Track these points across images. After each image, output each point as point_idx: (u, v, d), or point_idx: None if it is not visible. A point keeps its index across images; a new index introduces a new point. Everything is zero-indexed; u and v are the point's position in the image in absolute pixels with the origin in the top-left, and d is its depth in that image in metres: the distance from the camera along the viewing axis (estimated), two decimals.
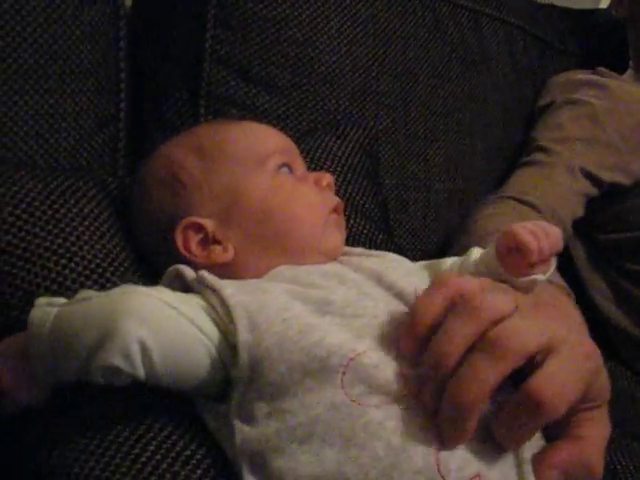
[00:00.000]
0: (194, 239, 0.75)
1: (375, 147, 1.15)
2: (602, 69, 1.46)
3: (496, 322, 0.59)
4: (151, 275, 0.78)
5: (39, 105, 0.96)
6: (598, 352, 0.63)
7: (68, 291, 0.74)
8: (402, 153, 1.27)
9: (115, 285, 0.76)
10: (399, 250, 1.08)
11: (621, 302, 1.37)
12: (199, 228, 0.76)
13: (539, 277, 0.68)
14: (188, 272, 0.72)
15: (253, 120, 0.89)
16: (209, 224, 0.75)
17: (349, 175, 1.05)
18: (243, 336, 0.64)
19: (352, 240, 0.97)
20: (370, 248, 0.96)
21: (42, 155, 0.96)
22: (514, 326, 0.59)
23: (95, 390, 0.68)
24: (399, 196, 1.25)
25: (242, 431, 0.63)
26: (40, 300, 0.68)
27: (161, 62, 1.12)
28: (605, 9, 1.72)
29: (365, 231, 1.02)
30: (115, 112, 1.06)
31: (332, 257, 0.78)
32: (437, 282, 0.64)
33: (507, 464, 0.61)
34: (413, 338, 0.62)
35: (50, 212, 0.79)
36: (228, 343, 0.66)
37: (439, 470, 0.58)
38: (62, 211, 0.80)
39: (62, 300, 0.68)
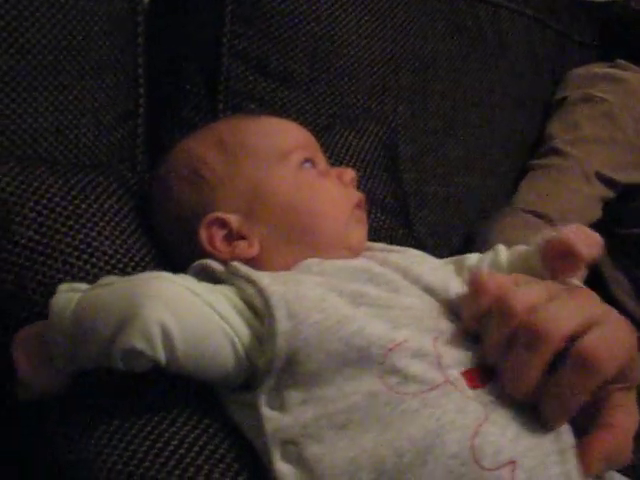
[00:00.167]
0: (219, 235, 0.75)
1: (394, 141, 1.15)
2: (621, 61, 1.45)
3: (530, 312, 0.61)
4: (173, 271, 0.78)
5: (58, 101, 0.96)
6: (634, 330, 0.64)
7: None
8: (421, 147, 1.27)
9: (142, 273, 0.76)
10: (419, 244, 1.08)
11: None
12: (223, 224, 0.75)
13: (576, 282, 0.70)
14: (216, 265, 0.72)
15: (272, 115, 0.89)
16: (234, 219, 0.75)
17: (369, 170, 1.05)
18: (282, 325, 0.64)
19: (372, 234, 0.96)
20: (390, 242, 0.96)
21: (62, 151, 0.96)
22: (551, 311, 0.61)
23: (117, 383, 0.68)
24: (418, 190, 1.25)
25: (273, 419, 0.64)
26: (62, 286, 0.68)
27: (179, 57, 1.12)
28: (624, 1, 1.70)
29: (385, 226, 1.01)
30: (134, 108, 1.06)
31: (356, 252, 0.78)
32: (478, 285, 0.65)
33: (543, 451, 0.61)
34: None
35: (71, 208, 0.79)
36: (253, 333, 0.66)
37: (474, 455, 0.59)
38: (83, 207, 0.80)
39: (84, 286, 0.68)
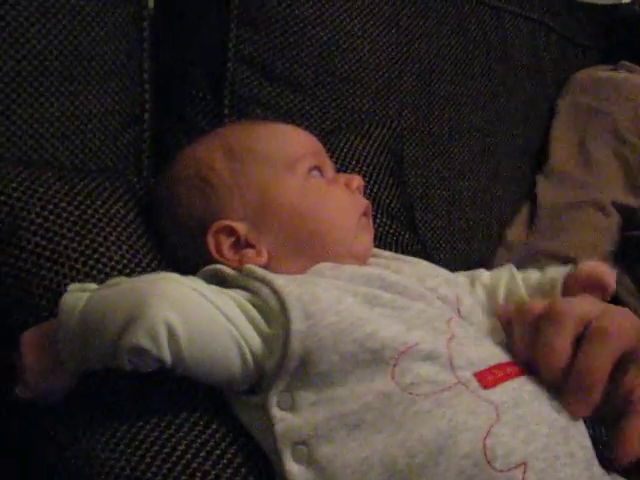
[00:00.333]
0: (226, 243, 0.75)
1: (399, 146, 1.15)
2: (625, 62, 1.45)
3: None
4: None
5: (65, 107, 0.97)
6: None
7: None
8: (426, 151, 1.27)
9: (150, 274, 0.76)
10: (424, 248, 1.08)
11: None
12: (231, 231, 0.75)
13: None
14: (226, 269, 0.72)
15: (279, 120, 0.89)
16: (241, 227, 0.75)
17: (374, 174, 1.05)
18: (297, 326, 0.65)
19: (378, 239, 0.96)
20: (396, 247, 0.96)
21: (68, 156, 0.96)
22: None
23: (123, 387, 0.69)
24: (423, 194, 1.25)
25: (284, 420, 0.64)
26: (72, 286, 0.69)
27: (185, 62, 1.12)
28: (628, 4, 1.70)
29: (391, 230, 1.01)
30: (139, 113, 1.06)
31: (362, 260, 0.78)
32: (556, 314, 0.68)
33: (553, 453, 0.61)
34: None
35: (77, 213, 0.79)
36: (261, 335, 0.66)
37: (486, 456, 0.59)
38: (89, 212, 0.80)
39: (94, 286, 0.69)
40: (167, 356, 0.63)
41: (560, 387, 0.65)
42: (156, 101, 1.08)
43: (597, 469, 0.64)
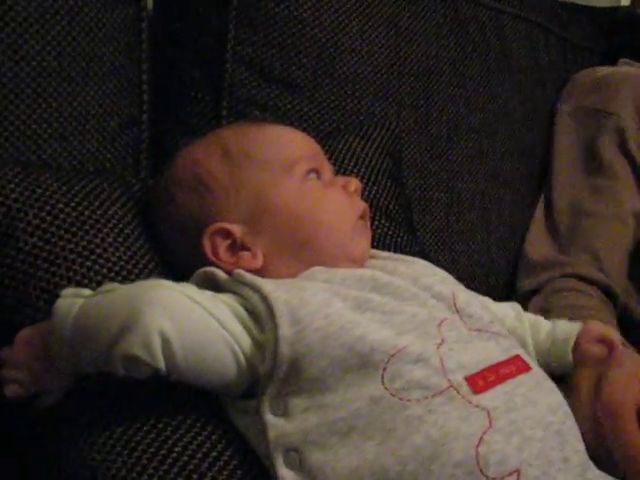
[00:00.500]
0: (222, 245, 0.75)
1: (398, 147, 1.15)
2: (626, 60, 1.45)
3: None
4: (176, 278, 0.78)
5: (63, 107, 0.96)
6: None
7: None
8: (424, 153, 1.27)
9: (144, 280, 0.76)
10: (422, 250, 1.08)
11: None
12: (227, 234, 0.75)
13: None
14: (220, 273, 0.72)
15: (277, 122, 0.89)
16: (237, 230, 0.75)
17: (373, 176, 1.05)
18: (284, 331, 0.65)
19: (377, 241, 0.96)
20: (394, 248, 0.96)
21: (66, 157, 0.96)
22: None
23: (120, 389, 0.68)
24: (422, 196, 1.25)
25: (276, 425, 0.64)
26: (66, 291, 0.69)
27: (183, 64, 1.12)
28: (627, 6, 1.71)
29: (390, 232, 1.01)
30: (137, 114, 1.06)
31: (359, 263, 0.78)
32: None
33: (547, 459, 0.61)
34: None
35: (75, 214, 0.79)
36: (254, 341, 0.66)
37: (478, 463, 0.59)
38: (86, 213, 0.80)
39: (87, 291, 0.69)
40: (161, 364, 0.64)
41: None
42: (154, 102, 1.08)
43: (591, 473, 0.64)
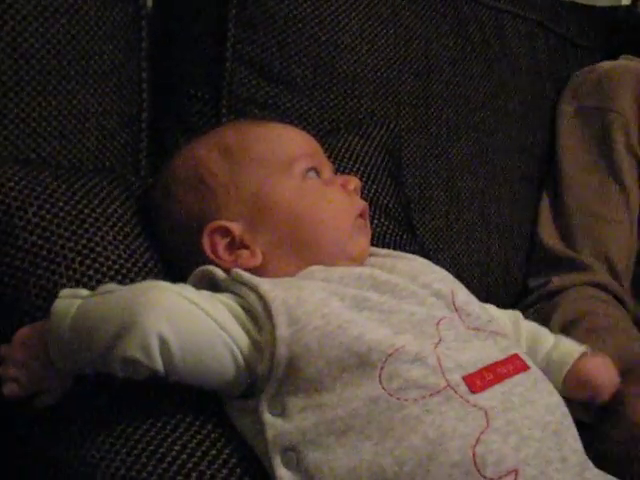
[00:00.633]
0: (221, 243, 0.75)
1: (397, 146, 1.15)
2: (626, 56, 1.45)
3: None
4: (175, 276, 0.78)
5: (62, 106, 0.96)
6: None
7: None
8: (424, 151, 1.26)
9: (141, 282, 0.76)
10: (422, 249, 1.08)
11: None
12: (226, 232, 0.75)
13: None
14: (218, 272, 0.72)
15: (277, 120, 0.89)
16: (236, 228, 0.75)
17: (372, 174, 1.05)
18: (282, 331, 0.65)
19: (376, 240, 0.96)
20: (394, 248, 0.96)
21: (66, 155, 0.96)
22: None
23: (119, 388, 0.68)
24: (421, 195, 1.25)
25: (274, 425, 0.64)
26: (64, 292, 0.69)
27: (182, 62, 1.12)
28: (628, 6, 1.70)
29: (389, 231, 1.01)
30: (137, 112, 1.06)
31: (359, 261, 0.78)
32: None
33: (545, 459, 0.61)
34: None
35: (74, 212, 0.79)
36: (252, 341, 0.66)
37: (475, 464, 0.59)
38: (86, 211, 0.80)
39: (85, 292, 0.69)
40: (160, 366, 0.64)
41: None
42: (154, 100, 1.08)
43: (589, 473, 0.64)
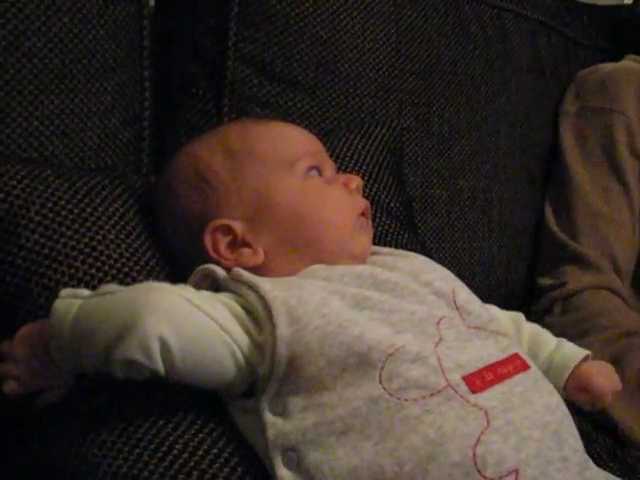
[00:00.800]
0: (223, 241, 0.75)
1: (399, 145, 1.15)
2: (632, 56, 1.45)
3: None
4: (177, 274, 0.78)
5: (65, 104, 0.96)
6: None
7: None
8: (426, 150, 1.27)
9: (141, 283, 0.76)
10: (423, 247, 1.08)
11: None
12: (228, 230, 0.75)
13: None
14: (219, 271, 0.72)
15: (279, 119, 0.89)
16: (238, 226, 0.75)
17: (374, 174, 1.05)
18: (282, 331, 0.65)
19: (378, 239, 0.96)
20: (396, 246, 0.96)
21: (68, 154, 0.96)
22: None
23: (121, 387, 0.68)
24: (423, 194, 1.25)
25: (275, 425, 0.64)
26: (65, 292, 0.69)
27: (184, 61, 1.12)
28: (631, 5, 1.70)
29: (391, 230, 1.01)
30: (139, 111, 1.06)
31: (360, 260, 0.78)
32: None
33: (545, 459, 0.61)
34: None
35: (76, 211, 0.79)
36: (253, 341, 0.66)
37: (476, 464, 0.59)
38: (88, 210, 0.80)
39: (86, 292, 0.69)
40: (160, 368, 0.64)
41: None
42: (156, 99, 1.08)
43: (590, 472, 0.64)
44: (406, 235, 1.03)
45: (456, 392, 0.63)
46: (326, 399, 0.63)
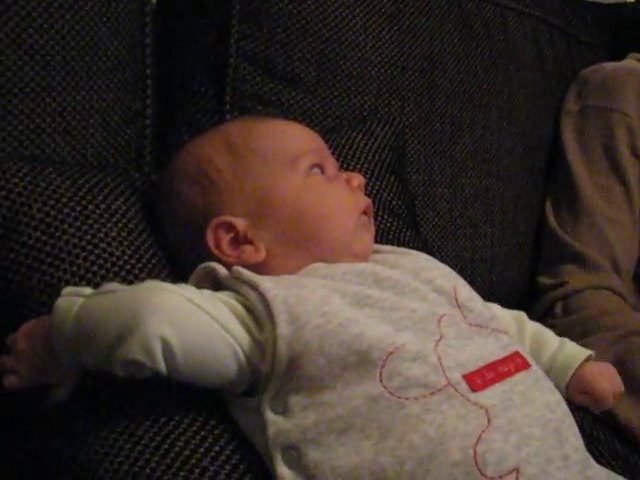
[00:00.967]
0: (225, 238, 0.75)
1: (401, 143, 1.15)
2: (635, 54, 1.45)
3: None
4: (179, 272, 0.79)
5: (66, 102, 0.96)
6: None
7: (96, 288, 0.74)
8: (428, 149, 1.27)
9: (143, 282, 0.76)
10: (425, 246, 1.08)
11: None
12: (230, 227, 0.75)
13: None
14: (220, 269, 0.72)
15: (281, 117, 0.89)
16: (240, 223, 0.75)
17: (376, 171, 1.05)
18: (282, 329, 0.64)
19: (380, 237, 0.96)
20: (398, 244, 0.96)
21: (70, 151, 0.96)
22: None
23: (123, 384, 0.68)
24: (425, 192, 1.25)
25: (275, 423, 0.64)
26: (67, 290, 0.69)
27: (186, 58, 1.12)
28: (633, 3, 1.70)
29: (393, 228, 1.01)
30: (141, 108, 1.06)
31: (362, 258, 0.78)
32: None
33: (546, 457, 0.61)
34: None
35: (78, 208, 0.80)
36: (254, 340, 0.66)
37: (476, 463, 0.59)
38: (90, 207, 0.80)
39: (88, 290, 0.69)
40: (163, 368, 0.64)
41: None
42: (158, 97, 1.08)
43: (591, 471, 0.64)
44: (408, 233, 1.03)
45: (456, 391, 0.63)
46: (326, 398, 0.63)
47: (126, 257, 0.78)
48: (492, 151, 1.37)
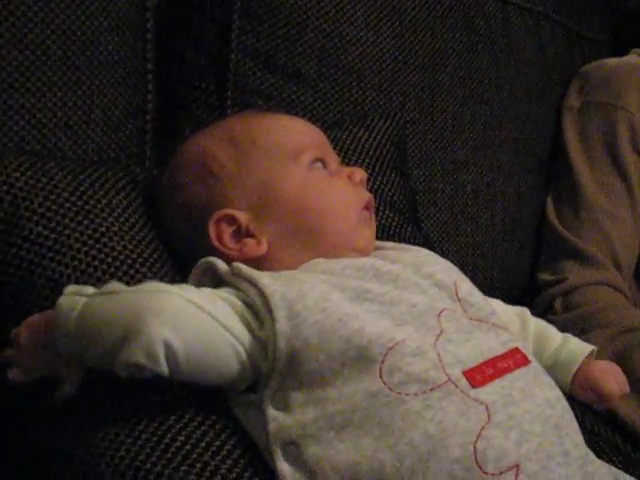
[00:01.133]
0: (227, 231, 0.75)
1: (402, 138, 1.15)
2: (637, 50, 1.45)
3: None
4: (181, 267, 0.79)
5: (67, 97, 0.96)
6: None
7: (98, 282, 0.74)
8: (429, 144, 1.26)
9: (144, 276, 0.77)
10: (426, 241, 1.08)
11: None
12: (232, 220, 0.75)
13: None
14: (220, 265, 0.72)
15: (283, 112, 0.89)
16: (242, 217, 0.75)
17: (377, 167, 1.05)
18: (281, 325, 0.64)
19: (381, 232, 0.96)
20: (399, 240, 0.96)
21: (71, 146, 0.96)
22: None
23: (125, 382, 0.68)
24: (427, 187, 1.25)
25: (276, 419, 0.64)
26: (69, 288, 0.69)
27: (188, 53, 1.12)
28: None
29: (394, 223, 1.01)
30: (142, 103, 1.06)
31: (363, 254, 0.78)
32: None
33: (547, 453, 0.61)
34: None
35: (80, 203, 0.80)
36: (255, 337, 0.66)
37: (476, 459, 0.59)
38: (91, 202, 0.80)
39: (91, 290, 0.69)
40: (165, 370, 0.64)
41: None
42: (159, 92, 1.08)
43: (592, 466, 0.64)
44: (409, 228, 1.03)
45: (456, 387, 0.63)
46: (326, 394, 0.63)
47: (127, 251, 0.78)
48: (493, 146, 1.37)
